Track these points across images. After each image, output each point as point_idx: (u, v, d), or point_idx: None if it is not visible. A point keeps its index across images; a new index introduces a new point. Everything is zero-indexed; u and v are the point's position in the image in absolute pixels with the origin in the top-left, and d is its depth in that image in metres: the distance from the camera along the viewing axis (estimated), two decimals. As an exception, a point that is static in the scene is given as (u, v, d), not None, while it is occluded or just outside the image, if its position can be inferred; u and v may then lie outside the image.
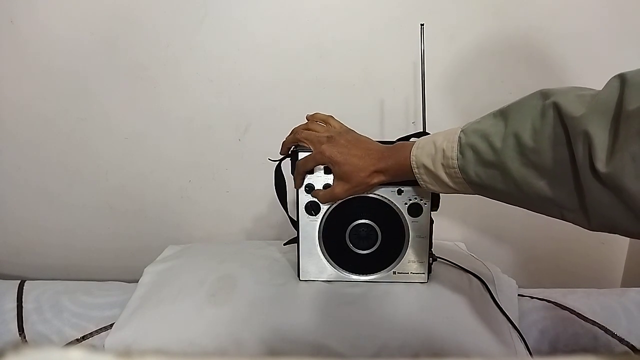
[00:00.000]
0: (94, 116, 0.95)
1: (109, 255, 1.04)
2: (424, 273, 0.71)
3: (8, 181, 1.00)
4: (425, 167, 0.57)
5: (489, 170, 0.51)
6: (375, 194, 0.68)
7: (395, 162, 0.61)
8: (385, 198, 0.68)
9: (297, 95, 0.93)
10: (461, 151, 0.53)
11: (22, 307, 0.79)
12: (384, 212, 0.68)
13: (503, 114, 0.51)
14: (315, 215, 0.69)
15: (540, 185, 0.47)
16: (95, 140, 0.97)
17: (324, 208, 0.69)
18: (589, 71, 0.90)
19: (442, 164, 0.55)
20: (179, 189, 1.00)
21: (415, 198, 0.68)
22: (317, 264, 0.72)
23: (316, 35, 0.90)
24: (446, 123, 0.87)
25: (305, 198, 0.69)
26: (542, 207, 0.50)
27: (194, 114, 0.95)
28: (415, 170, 0.59)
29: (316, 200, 0.68)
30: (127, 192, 1.00)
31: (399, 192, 0.68)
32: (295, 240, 0.72)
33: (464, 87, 0.93)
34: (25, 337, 0.75)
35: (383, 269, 0.71)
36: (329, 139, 0.64)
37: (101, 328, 0.76)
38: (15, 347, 0.17)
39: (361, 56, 0.91)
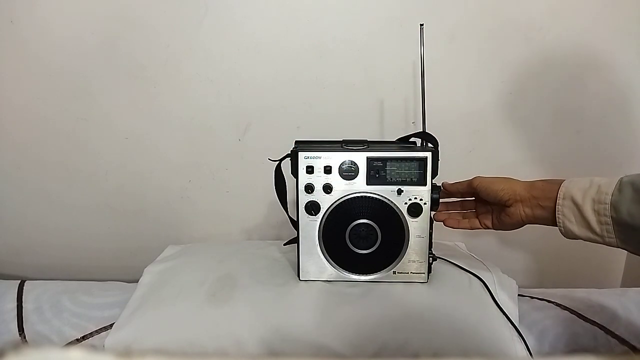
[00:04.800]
0: (94, 116, 0.95)
1: (109, 255, 1.04)
2: (424, 273, 0.71)
3: (8, 181, 1.00)
4: (573, 200, 0.56)
5: None
6: (375, 194, 0.68)
7: (545, 184, 0.61)
8: (385, 198, 0.68)
9: (297, 95, 0.93)
10: (620, 188, 0.52)
11: (22, 307, 0.79)
12: (384, 212, 0.68)
13: None
14: (315, 215, 0.69)
15: None
16: (95, 140, 0.97)
17: (323, 208, 0.69)
18: (589, 71, 0.90)
19: (593, 199, 0.54)
20: (179, 189, 1.00)
21: (415, 198, 0.68)
22: (317, 264, 0.72)
23: (316, 35, 0.90)
24: (446, 123, 0.88)
25: (305, 198, 0.69)
26: None
27: (194, 114, 0.95)
28: (560, 202, 0.58)
29: (316, 200, 0.68)
30: (127, 192, 1.00)
31: (399, 192, 0.68)
32: (295, 240, 0.72)
33: (464, 87, 0.93)
34: (25, 337, 0.75)
35: (383, 269, 0.71)
36: None
37: (101, 328, 0.76)
38: (15, 347, 0.17)
39: (361, 56, 0.91)
